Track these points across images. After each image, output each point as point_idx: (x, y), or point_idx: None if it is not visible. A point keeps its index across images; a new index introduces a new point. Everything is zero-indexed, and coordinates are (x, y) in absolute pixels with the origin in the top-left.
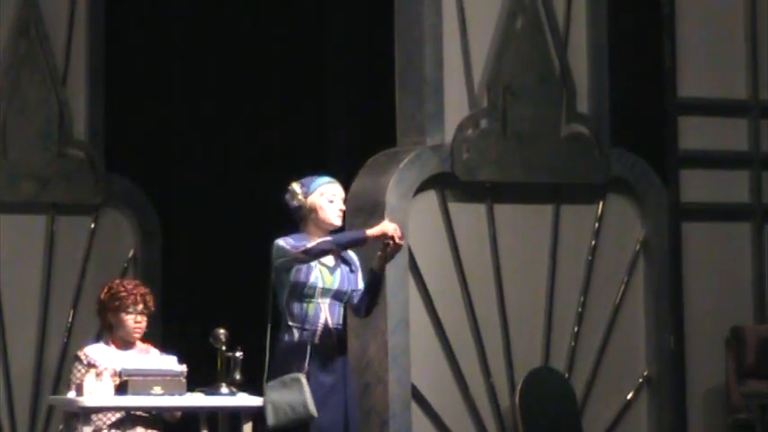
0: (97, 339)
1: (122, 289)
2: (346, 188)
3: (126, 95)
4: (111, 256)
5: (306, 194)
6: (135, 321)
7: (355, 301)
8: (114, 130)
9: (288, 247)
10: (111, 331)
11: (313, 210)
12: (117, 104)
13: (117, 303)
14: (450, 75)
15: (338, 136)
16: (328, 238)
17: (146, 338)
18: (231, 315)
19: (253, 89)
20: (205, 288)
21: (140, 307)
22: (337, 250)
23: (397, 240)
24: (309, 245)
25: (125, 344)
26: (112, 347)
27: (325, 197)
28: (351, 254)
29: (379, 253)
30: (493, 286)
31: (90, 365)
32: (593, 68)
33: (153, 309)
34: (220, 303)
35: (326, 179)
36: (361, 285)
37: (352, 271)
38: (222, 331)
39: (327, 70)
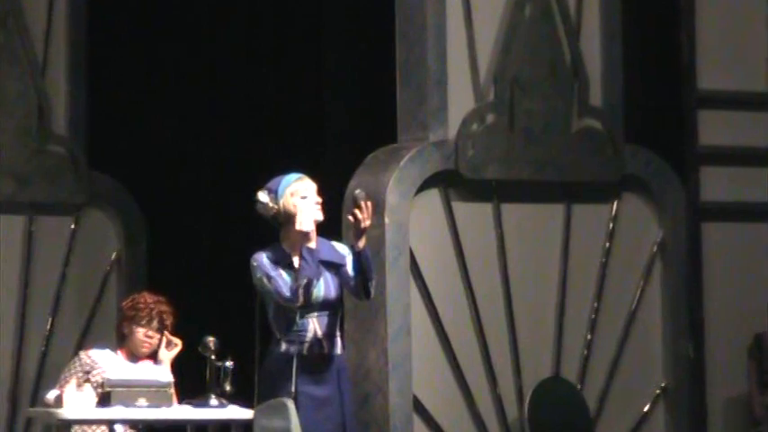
0: (76, 350)
1: (142, 301)
2: (343, 186)
3: (110, 88)
4: (94, 259)
5: (275, 200)
6: (145, 335)
7: (351, 285)
8: (97, 124)
9: (272, 289)
10: (123, 341)
11: (288, 213)
12: (100, 98)
13: (132, 314)
14: (455, 66)
15: (334, 132)
16: (303, 281)
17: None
18: (221, 322)
19: (245, 83)
20: (193, 294)
21: (154, 323)
22: (317, 274)
23: (351, 218)
24: (300, 298)
25: (133, 357)
26: (120, 356)
27: (297, 195)
28: (337, 248)
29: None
30: (500, 291)
31: (87, 368)
32: (607, 59)
33: (169, 328)
34: (210, 310)
35: (293, 176)
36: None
37: (339, 268)
38: (211, 339)
39: (323, 63)
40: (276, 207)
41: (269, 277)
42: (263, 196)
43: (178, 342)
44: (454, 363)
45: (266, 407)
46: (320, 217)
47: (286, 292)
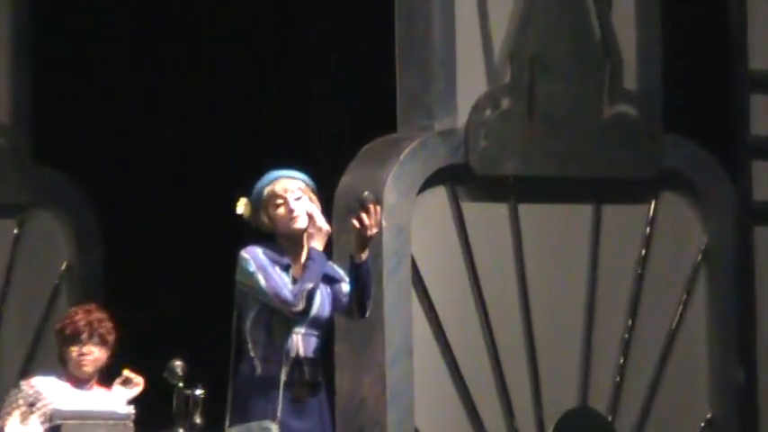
0: (21, 376)
1: (68, 318)
2: (334, 183)
3: (59, 72)
4: (40, 268)
5: (255, 210)
6: (79, 354)
7: (345, 303)
8: (44, 113)
9: (267, 286)
10: (66, 367)
11: (269, 224)
12: (48, 83)
13: (62, 337)
14: (464, 42)
15: (324, 119)
16: (308, 284)
17: (103, 380)
18: (190, 344)
19: (216, 60)
20: (157, 310)
21: (84, 336)
22: (318, 283)
23: (357, 223)
24: (302, 302)
25: (80, 382)
26: (66, 383)
27: (271, 205)
28: (330, 264)
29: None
30: (517, 306)
31: (31, 400)
32: (644, 34)
33: (109, 338)
34: (177, 329)
35: (268, 179)
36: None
37: (333, 284)
38: (179, 364)
39: (311, 38)
40: (258, 217)
41: (266, 272)
42: (243, 206)
43: (139, 381)
44: (463, 390)
45: (245, 430)
46: (299, 225)
47: (286, 292)
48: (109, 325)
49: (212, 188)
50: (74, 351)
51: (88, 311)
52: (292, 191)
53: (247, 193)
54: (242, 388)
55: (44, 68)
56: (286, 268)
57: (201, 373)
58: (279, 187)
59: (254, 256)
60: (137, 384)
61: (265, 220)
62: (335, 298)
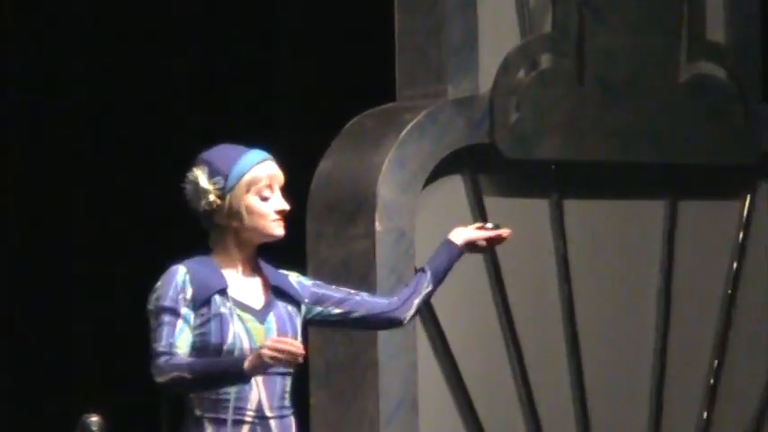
0: None
1: None
2: (310, 171)
3: None
4: None
5: (223, 189)
6: None
7: (376, 309)
8: None
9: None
10: None
11: (236, 215)
12: None
13: None
14: None
15: (291, 85)
16: (184, 371)
17: None
18: (109, 391)
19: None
20: (63, 343)
21: None
22: (198, 390)
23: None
24: (158, 376)
25: None
26: None
27: (256, 191)
28: (290, 279)
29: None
30: (561, 339)
31: None
32: None
33: None
34: (90, 370)
35: (255, 157)
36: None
37: (297, 304)
38: (95, 420)
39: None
40: (218, 201)
41: (159, 317)
42: (202, 177)
43: None
44: None
45: None
46: (280, 233)
47: (160, 346)
48: None
49: (136, 184)
50: None
51: None
52: (280, 184)
53: (208, 167)
54: None
55: None
56: (221, 293)
57: (125, 429)
58: (267, 172)
59: (168, 283)
60: None
61: (241, 208)
62: (367, 307)
